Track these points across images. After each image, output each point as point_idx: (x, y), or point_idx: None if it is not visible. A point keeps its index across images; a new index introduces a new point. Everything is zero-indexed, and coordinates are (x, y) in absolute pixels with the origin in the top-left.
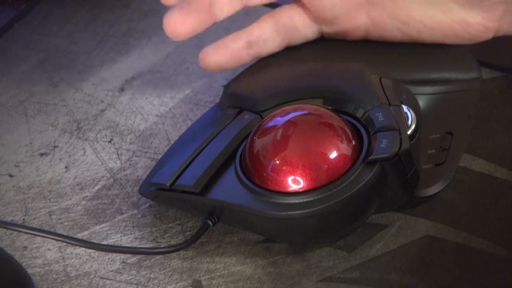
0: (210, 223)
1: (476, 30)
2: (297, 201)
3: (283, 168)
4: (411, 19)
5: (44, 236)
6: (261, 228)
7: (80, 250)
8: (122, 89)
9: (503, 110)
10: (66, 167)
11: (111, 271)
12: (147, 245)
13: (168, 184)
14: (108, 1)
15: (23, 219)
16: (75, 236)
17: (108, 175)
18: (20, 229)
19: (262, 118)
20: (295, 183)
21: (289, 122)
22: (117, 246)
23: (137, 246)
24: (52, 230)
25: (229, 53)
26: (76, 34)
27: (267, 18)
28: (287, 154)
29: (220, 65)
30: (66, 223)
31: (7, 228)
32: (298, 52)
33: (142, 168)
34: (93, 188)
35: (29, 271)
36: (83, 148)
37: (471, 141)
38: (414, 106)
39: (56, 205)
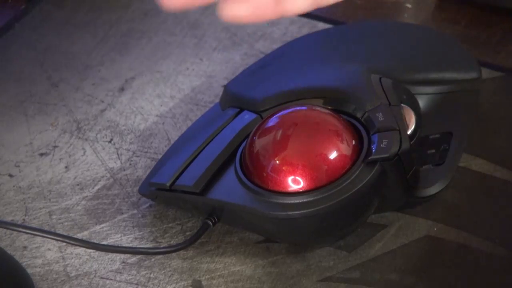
0: (210, 223)
1: None
2: (297, 201)
3: (283, 168)
4: None
5: (44, 236)
6: (261, 228)
7: (80, 250)
8: (122, 89)
9: (503, 110)
10: (66, 167)
11: (111, 271)
12: (147, 245)
13: (168, 184)
14: (108, 1)
15: (23, 219)
16: (75, 236)
17: (108, 175)
18: (20, 229)
19: (262, 118)
20: (295, 183)
21: (289, 122)
22: (117, 246)
23: (137, 246)
24: (52, 230)
25: (253, 6)
26: (76, 34)
27: None
28: (287, 154)
29: (240, 17)
30: (66, 223)
31: (7, 228)
32: (298, 52)
33: (142, 168)
34: (93, 188)
35: (29, 271)
36: (83, 148)
37: (471, 141)
38: (414, 106)
39: (56, 205)
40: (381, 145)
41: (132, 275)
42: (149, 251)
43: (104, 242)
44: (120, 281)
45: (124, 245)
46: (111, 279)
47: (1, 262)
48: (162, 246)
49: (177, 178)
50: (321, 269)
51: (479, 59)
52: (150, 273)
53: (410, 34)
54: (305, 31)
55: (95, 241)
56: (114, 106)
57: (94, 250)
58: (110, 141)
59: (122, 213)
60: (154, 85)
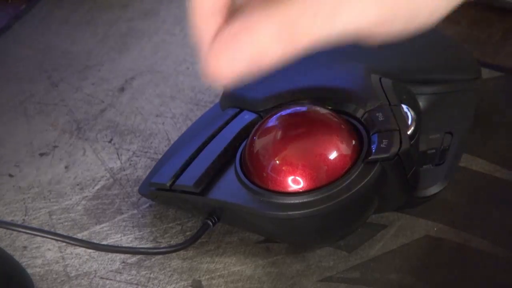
0: (210, 223)
1: None
2: (297, 201)
3: (283, 168)
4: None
5: (44, 236)
6: (261, 228)
7: (80, 250)
8: (122, 89)
9: (503, 110)
10: (66, 167)
11: (111, 271)
12: (147, 245)
13: (168, 184)
14: (108, 1)
15: (23, 219)
16: (75, 236)
17: (108, 175)
18: (20, 229)
19: (262, 118)
20: (295, 183)
21: (289, 122)
22: (117, 246)
23: (137, 246)
24: (52, 230)
25: (250, 51)
26: (76, 34)
27: None
28: (287, 154)
29: (233, 73)
30: (66, 223)
31: (7, 228)
32: None
33: (142, 168)
34: (93, 188)
35: (29, 271)
36: (83, 148)
37: (471, 141)
38: (414, 106)
39: (56, 205)
40: (381, 145)
41: (132, 275)
42: (149, 251)
43: (104, 242)
44: (120, 281)
45: (124, 245)
46: (111, 279)
47: (1, 262)
48: (162, 246)
49: (177, 178)
50: (321, 269)
51: (479, 59)
52: (150, 273)
53: None
54: None
55: (95, 241)
56: (114, 106)
57: (94, 250)
58: (110, 141)
59: (122, 213)
60: (154, 85)
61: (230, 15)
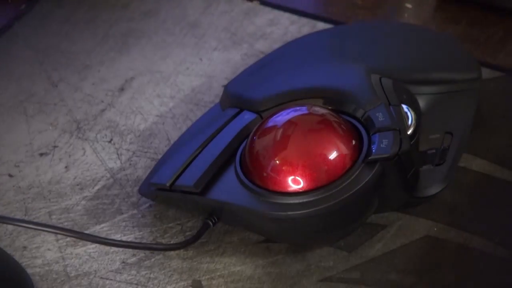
0: (210, 223)
1: None
2: (297, 201)
3: (283, 168)
4: None
5: (52, 232)
6: (261, 228)
7: (80, 250)
8: (122, 89)
9: (503, 110)
10: (66, 167)
11: (111, 271)
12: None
13: (168, 184)
14: (108, 1)
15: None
16: (86, 232)
17: (108, 175)
18: (30, 226)
19: (262, 118)
20: (295, 183)
21: (289, 122)
22: (129, 242)
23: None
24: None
25: None
26: (76, 34)
27: None
28: (287, 154)
29: None
30: (66, 223)
31: (13, 225)
32: (298, 52)
33: (142, 168)
34: (93, 188)
35: (29, 271)
36: (83, 148)
37: (471, 141)
38: (414, 106)
39: (56, 205)
40: (381, 145)
41: (132, 275)
42: (153, 247)
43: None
44: (120, 281)
45: (134, 241)
46: (111, 279)
47: (1, 262)
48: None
49: (177, 178)
50: (321, 269)
51: (479, 59)
52: (150, 273)
53: (410, 34)
54: (305, 31)
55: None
56: (114, 106)
57: (94, 250)
58: (110, 141)
59: (122, 213)
60: (154, 85)
61: None
